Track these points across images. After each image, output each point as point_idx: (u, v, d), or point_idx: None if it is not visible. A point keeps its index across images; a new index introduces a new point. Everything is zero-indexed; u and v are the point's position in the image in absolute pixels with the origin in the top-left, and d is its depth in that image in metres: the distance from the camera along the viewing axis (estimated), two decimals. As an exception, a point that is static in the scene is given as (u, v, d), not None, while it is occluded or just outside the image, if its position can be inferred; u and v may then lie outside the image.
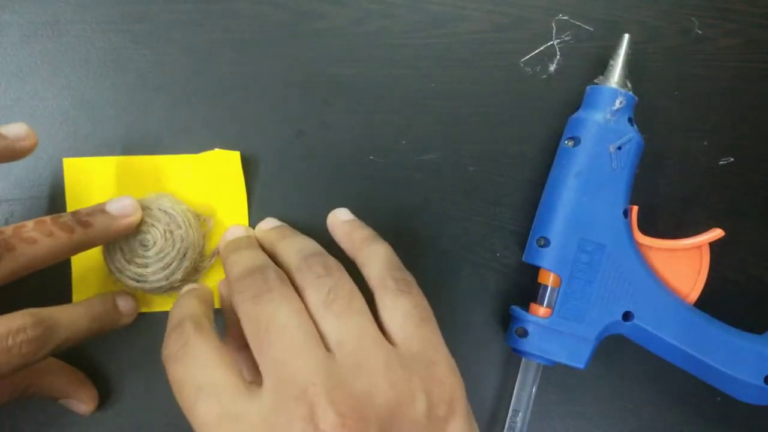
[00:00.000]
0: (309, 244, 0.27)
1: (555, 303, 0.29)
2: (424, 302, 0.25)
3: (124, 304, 0.29)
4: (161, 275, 0.28)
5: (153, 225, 0.28)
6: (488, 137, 0.33)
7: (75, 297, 0.30)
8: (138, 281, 0.28)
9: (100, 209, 0.26)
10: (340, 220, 0.29)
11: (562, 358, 0.29)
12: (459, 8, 0.33)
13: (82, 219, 0.25)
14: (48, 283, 0.29)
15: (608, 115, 0.29)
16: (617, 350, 0.32)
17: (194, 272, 0.30)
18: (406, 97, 0.32)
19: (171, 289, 0.29)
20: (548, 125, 0.33)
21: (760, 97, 0.33)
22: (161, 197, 0.29)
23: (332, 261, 0.25)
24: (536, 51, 0.33)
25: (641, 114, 0.31)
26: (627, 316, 0.29)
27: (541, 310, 0.29)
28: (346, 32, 0.32)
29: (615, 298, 0.29)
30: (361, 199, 0.32)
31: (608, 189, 0.29)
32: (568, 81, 0.33)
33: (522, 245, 0.32)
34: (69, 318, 0.25)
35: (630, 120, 0.30)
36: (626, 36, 0.30)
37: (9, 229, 0.23)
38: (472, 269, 0.32)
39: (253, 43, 0.32)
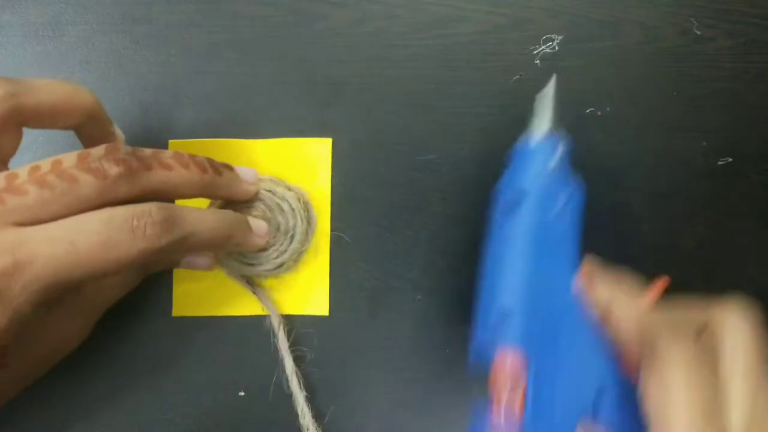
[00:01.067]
0: None
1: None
2: None
3: (255, 224, 0.28)
4: (273, 255, 0.29)
5: (261, 209, 0.29)
6: (488, 137, 0.33)
7: (175, 312, 0.30)
8: (250, 264, 0.29)
9: (229, 165, 0.27)
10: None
11: None
12: (459, 9, 0.33)
13: (214, 164, 0.26)
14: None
15: (550, 170, 0.26)
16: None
17: (300, 253, 0.30)
18: (406, 97, 0.32)
19: (278, 268, 0.30)
20: (548, 125, 0.33)
21: (760, 97, 0.34)
22: (263, 181, 0.29)
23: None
24: (536, 51, 0.33)
25: (641, 114, 0.31)
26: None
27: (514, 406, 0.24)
28: (346, 33, 0.32)
29: (585, 378, 0.24)
30: (361, 199, 0.32)
31: (557, 257, 0.26)
32: (568, 81, 0.33)
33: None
34: (193, 211, 0.24)
35: (568, 170, 0.27)
36: (554, 77, 0.28)
37: (150, 151, 0.24)
38: (472, 269, 0.32)
39: (253, 43, 0.32)
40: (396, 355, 0.31)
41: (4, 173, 0.21)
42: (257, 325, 0.31)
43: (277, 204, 0.29)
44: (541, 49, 0.33)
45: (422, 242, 0.32)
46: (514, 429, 0.23)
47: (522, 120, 0.33)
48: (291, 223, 0.29)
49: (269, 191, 0.29)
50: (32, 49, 0.31)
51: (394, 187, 0.32)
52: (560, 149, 0.27)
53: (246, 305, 0.31)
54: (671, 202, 0.33)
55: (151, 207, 0.22)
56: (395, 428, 0.30)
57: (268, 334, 0.31)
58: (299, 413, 0.29)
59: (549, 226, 0.26)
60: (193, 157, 0.25)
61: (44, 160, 0.22)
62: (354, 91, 0.32)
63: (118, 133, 0.28)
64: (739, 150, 0.33)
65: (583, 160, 0.33)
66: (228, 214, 0.26)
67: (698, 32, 0.33)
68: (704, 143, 0.33)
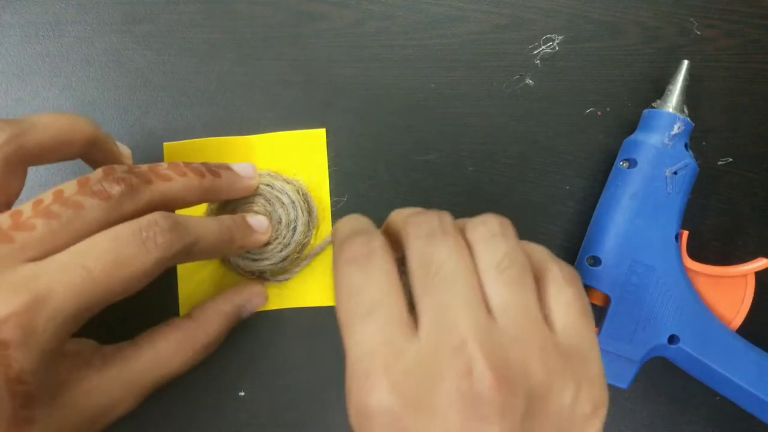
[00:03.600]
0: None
1: (602, 323, 0.29)
2: (587, 298, 0.24)
3: (255, 221, 0.28)
4: (277, 249, 0.29)
5: (261, 203, 0.29)
6: (488, 137, 0.33)
7: (182, 313, 0.30)
8: (254, 259, 0.29)
9: (225, 165, 0.27)
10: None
11: (607, 378, 0.28)
12: (458, 9, 0.33)
13: (211, 168, 0.26)
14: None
15: (666, 140, 0.29)
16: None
17: (304, 245, 0.30)
18: (406, 97, 0.32)
19: (283, 261, 0.30)
20: (548, 125, 0.33)
21: (760, 98, 0.34)
22: (261, 176, 0.30)
23: (507, 222, 0.23)
24: (536, 51, 0.33)
25: (641, 114, 0.31)
26: (672, 339, 0.29)
27: None
28: (346, 33, 0.32)
29: (662, 321, 0.29)
30: (361, 199, 0.32)
31: (662, 212, 0.29)
32: (567, 81, 0.33)
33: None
34: (195, 218, 0.24)
35: (686, 145, 0.30)
36: (685, 62, 0.30)
37: (146, 167, 0.24)
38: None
39: (254, 43, 0.32)
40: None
41: (8, 212, 0.21)
42: (258, 325, 0.31)
43: (277, 197, 0.29)
44: (541, 49, 0.33)
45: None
46: None
47: (522, 120, 0.33)
48: (292, 216, 0.29)
49: (268, 185, 0.29)
50: (32, 49, 0.31)
51: (394, 187, 0.32)
52: (680, 126, 0.29)
53: None
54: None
55: (156, 216, 0.22)
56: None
57: (269, 334, 0.31)
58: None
59: (655, 190, 0.29)
60: (188, 164, 0.25)
61: (45, 192, 0.22)
62: (354, 91, 0.32)
63: (124, 149, 0.28)
64: (739, 150, 0.33)
65: (583, 159, 0.33)
66: (226, 219, 0.27)
67: (698, 32, 0.33)
68: (704, 143, 0.33)
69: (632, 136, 0.31)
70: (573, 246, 0.32)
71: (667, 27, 0.33)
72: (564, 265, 0.24)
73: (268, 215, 0.29)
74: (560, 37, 0.33)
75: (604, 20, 0.33)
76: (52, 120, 0.24)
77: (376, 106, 0.32)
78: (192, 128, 0.31)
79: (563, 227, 0.32)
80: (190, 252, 0.23)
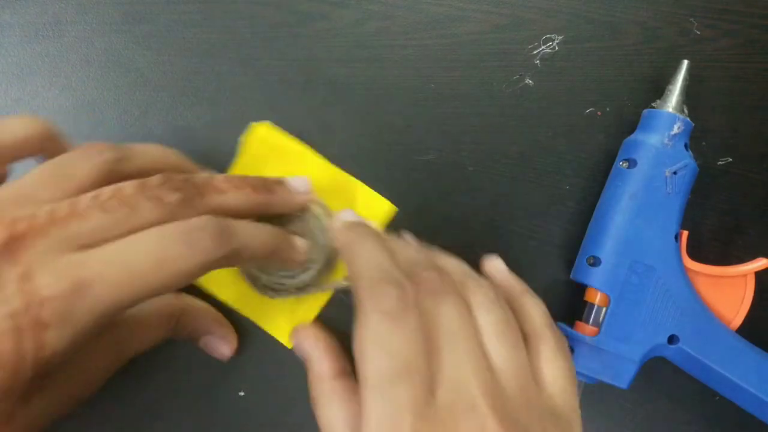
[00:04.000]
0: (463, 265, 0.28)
1: (602, 322, 0.29)
2: (573, 367, 0.26)
3: (297, 241, 0.28)
4: (305, 275, 0.29)
5: (303, 223, 0.29)
6: (488, 137, 0.33)
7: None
8: (284, 277, 0.29)
9: (279, 181, 0.28)
10: (499, 269, 0.30)
11: (606, 377, 0.29)
12: (458, 9, 0.33)
13: (267, 183, 0.27)
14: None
15: (665, 140, 0.29)
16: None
17: (326, 276, 0.30)
18: (406, 97, 0.32)
19: (304, 288, 0.29)
20: (548, 125, 0.33)
21: (760, 97, 0.34)
22: (318, 205, 0.29)
23: (500, 293, 0.26)
24: (536, 51, 0.33)
25: (641, 114, 0.31)
26: (672, 339, 0.29)
27: (587, 329, 0.30)
28: (346, 33, 0.32)
29: (662, 321, 0.29)
30: (361, 199, 0.32)
31: (662, 212, 0.29)
32: (567, 81, 0.33)
33: (522, 245, 0.32)
34: (244, 224, 0.24)
35: (686, 146, 0.30)
36: (685, 62, 0.30)
37: (203, 177, 0.24)
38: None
39: (254, 43, 0.32)
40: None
41: (67, 201, 0.22)
42: (258, 325, 0.31)
43: (318, 220, 0.29)
44: (541, 49, 0.33)
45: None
46: (589, 341, 0.29)
47: (522, 120, 0.33)
48: (325, 241, 0.29)
49: (319, 206, 0.29)
50: (32, 49, 0.31)
51: (395, 187, 0.32)
52: (680, 126, 0.30)
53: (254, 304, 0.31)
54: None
55: (205, 220, 0.22)
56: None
57: (269, 334, 0.31)
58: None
59: (655, 190, 0.29)
60: (244, 178, 0.26)
61: (105, 187, 0.22)
62: (354, 91, 0.32)
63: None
64: (739, 150, 0.33)
65: (583, 159, 0.33)
66: (273, 229, 0.27)
67: (698, 32, 0.33)
68: (704, 143, 0.33)
69: (632, 136, 0.31)
70: (573, 246, 0.32)
71: (667, 27, 0.33)
72: (558, 332, 0.27)
73: (310, 235, 0.29)
74: (560, 37, 0.33)
75: (604, 20, 0.33)
76: (151, 151, 0.26)
77: (376, 106, 0.32)
78: (192, 128, 0.31)
79: (563, 227, 0.32)
80: (236, 258, 0.24)
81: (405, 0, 0.33)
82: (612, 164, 0.31)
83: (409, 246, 0.28)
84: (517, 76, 0.33)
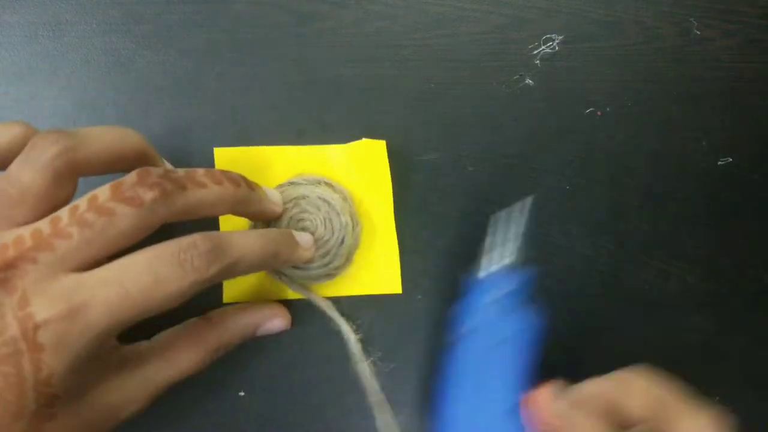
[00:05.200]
0: None
1: None
2: None
3: (301, 237, 0.28)
4: (321, 262, 0.29)
5: (313, 213, 0.29)
6: (488, 137, 0.33)
7: (226, 299, 0.30)
8: (299, 268, 0.29)
9: (257, 184, 0.27)
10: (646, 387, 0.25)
11: None
12: (459, 9, 0.33)
13: (247, 180, 0.26)
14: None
15: (496, 305, 0.27)
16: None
17: (349, 259, 0.30)
18: (406, 97, 0.32)
19: (327, 276, 0.30)
20: (548, 125, 0.33)
21: (760, 98, 0.34)
22: (320, 185, 0.30)
23: None
24: (536, 51, 0.33)
25: (641, 114, 0.31)
26: None
27: None
28: (346, 33, 0.32)
29: None
30: (361, 199, 0.32)
31: (495, 384, 0.26)
32: (567, 81, 0.33)
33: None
34: (239, 235, 0.24)
35: (523, 300, 0.27)
36: (529, 198, 0.28)
37: (182, 171, 0.24)
38: (472, 269, 0.32)
39: (254, 43, 0.32)
40: (395, 356, 0.31)
41: (48, 218, 0.21)
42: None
43: (328, 210, 0.29)
44: (541, 49, 0.33)
45: (422, 242, 0.32)
46: None
47: (522, 120, 0.33)
48: (341, 228, 0.29)
49: (323, 200, 0.29)
50: (32, 49, 0.31)
51: (394, 187, 0.32)
52: (515, 281, 0.27)
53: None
54: (671, 202, 0.33)
55: (196, 239, 0.22)
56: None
57: (269, 334, 0.31)
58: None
59: (491, 358, 0.26)
60: (225, 173, 0.25)
61: (81, 198, 0.22)
62: (354, 91, 0.32)
63: (168, 167, 0.27)
64: (739, 150, 0.33)
65: (583, 159, 0.33)
66: (272, 232, 0.27)
67: (698, 32, 0.33)
68: (704, 143, 0.33)
69: (459, 306, 0.29)
70: (573, 246, 0.32)
71: (667, 27, 0.33)
72: None
73: (315, 228, 0.29)
74: (560, 37, 0.33)
75: (604, 20, 0.33)
76: (106, 134, 0.24)
77: (376, 105, 0.32)
78: (192, 129, 0.31)
79: (563, 227, 0.32)
80: (232, 271, 0.23)
81: (405, 0, 0.33)
82: (613, 164, 0.31)
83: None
84: (517, 76, 0.33)
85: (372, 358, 0.30)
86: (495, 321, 0.27)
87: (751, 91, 0.34)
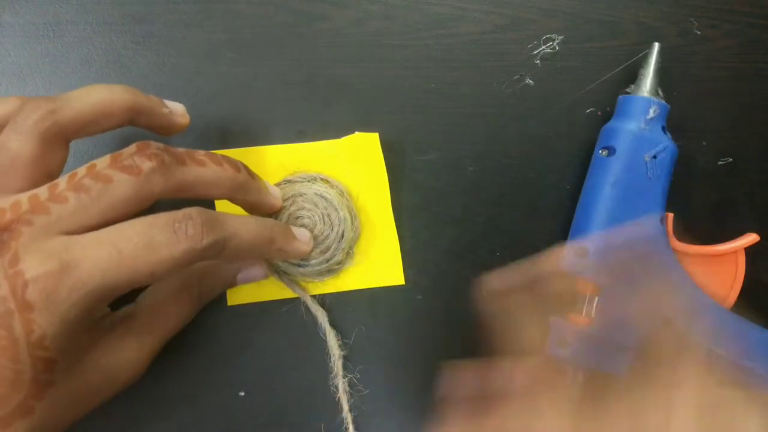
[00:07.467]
0: None
1: (595, 312, 0.29)
2: None
3: (299, 232, 0.28)
4: (322, 258, 0.29)
5: (311, 209, 0.29)
6: (488, 137, 0.33)
7: (230, 301, 0.30)
8: (300, 265, 0.29)
9: (259, 176, 0.28)
10: None
11: (603, 367, 0.29)
12: (459, 9, 0.33)
13: (248, 168, 0.26)
14: None
15: (642, 125, 0.30)
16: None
17: (350, 253, 0.30)
18: (406, 97, 0.32)
19: (330, 271, 0.30)
20: (548, 125, 0.33)
21: (760, 98, 0.34)
22: (316, 181, 0.30)
23: None
24: (536, 51, 0.33)
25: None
26: None
27: (581, 320, 0.29)
28: (346, 33, 0.32)
29: None
30: (361, 199, 0.32)
31: (645, 197, 0.29)
32: (568, 81, 0.33)
33: (522, 245, 0.32)
34: (235, 215, 0.24)
35: (663, 128, 0.30)
36: (656, 45, 0.31)
37: (183, 149, 0.24)
38: (472, 269, 0.32)
39: (254, 43, 0.32)
40: (396, 356, 0.31)
41: (47, 184, 0.22)
42: (258, 325, 0.31)
43: (326, 207, 0.29)
44: (541, 49, 0.33)
45: (422, 242, 0.32)
46: (582, 335, 0.29)
47: (522, 120, 0.33)
48: (340, 224, 0.29)
49: (321, 196, 0.29)
50: (32, 49, 0.31)
51: (394, 187, 0.32)
52: (656, 110, 0.30)
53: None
54: (671, 202, 0.33)
55: (191, 211, 0.22)
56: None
57: (269, 334, 0.31)
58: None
59: (635, 177, 0.29)
60: (225, 156, 0.25)
61: (81, 166, 0.22)
62: (354, 91, 0.32)
63: (174, 107, 0.27)
64: (739, 150, 0.33)
65: (583, 159, 0.33)
66: (268, 220, 0.27)
67: (698, 32, 0.33)
68: (704, 143, 0.33)
69: (609, 124, 0.31)
70: (573, 246, 0.32)
71: (667, 27, 0.33)
72: None
73: (314, 225, 0.29)
74: (560, 37, 0.33)
75: (604, 20, 0.33)
76: (89, 92, 0.24)
77: (376, 105, 0.32)
78: (192, 129, 0.31)
79: (563, 227, 0.32)
80: (224, 247, 0.23)
81: (405, 0, 0.33)
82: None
83: None
84: (517, 76, 0.33)
85: (350, 376, 0.30)
86: (648, 136, 0.29)
87: (751, 91, 0.34)
